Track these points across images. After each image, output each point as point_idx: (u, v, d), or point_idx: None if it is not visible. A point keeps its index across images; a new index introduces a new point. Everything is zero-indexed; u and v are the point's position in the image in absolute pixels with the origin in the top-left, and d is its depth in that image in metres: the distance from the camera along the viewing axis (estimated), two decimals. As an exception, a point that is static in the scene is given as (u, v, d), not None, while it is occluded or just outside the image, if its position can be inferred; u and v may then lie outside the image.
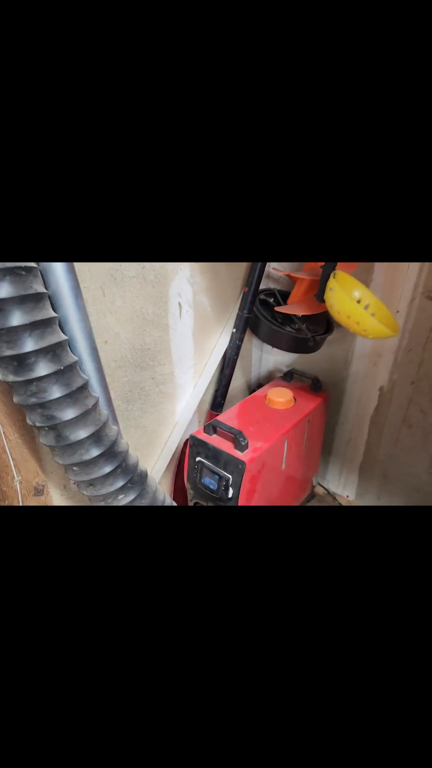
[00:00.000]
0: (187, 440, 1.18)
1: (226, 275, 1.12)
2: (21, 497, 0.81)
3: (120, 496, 0.62)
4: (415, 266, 1.01)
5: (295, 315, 1.10)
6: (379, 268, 1.06)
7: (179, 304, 1.01)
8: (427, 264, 1.00)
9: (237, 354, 1.16)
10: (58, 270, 0.54)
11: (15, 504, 0.80)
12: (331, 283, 0.89)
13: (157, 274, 0.92)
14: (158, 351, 1.00)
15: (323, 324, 1.17)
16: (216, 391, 1.20)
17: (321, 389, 1.19)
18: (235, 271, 1.14)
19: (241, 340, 1.14)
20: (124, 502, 0.62)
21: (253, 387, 1.44)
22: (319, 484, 1.41)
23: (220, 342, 1.16)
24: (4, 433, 0.73)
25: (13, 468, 0.78)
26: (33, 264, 0.50)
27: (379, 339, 1.11)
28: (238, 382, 1.37)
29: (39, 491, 0.85)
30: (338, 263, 0.92)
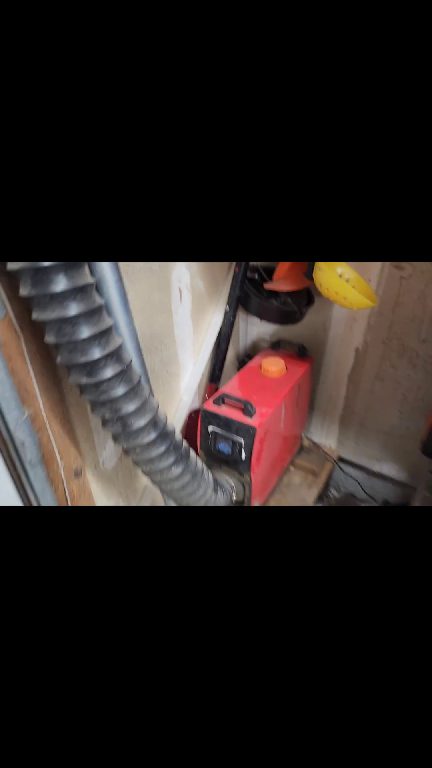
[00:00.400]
0: (191, 412, 1.29)
1: (217, 257, 1.19)
2: (65, 480, 0.90)
3: (173, 468, 0.73)
4: (384, 240, 1.14)
5: (282, 290, 1.21)
6: (353, 242, 1.18)
7: (179, 289, 1.08)
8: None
9: (231, 330, 1.26)
10: (109, 281, 0.61)
11: (60, 487, 0.89)
12: (319, 263, 1.00)
13: (161, 263, 0.98)
14: (164, 334, 1.08)
15: (305, 296, 1.29)
16: (213, 365, 1.31)
17: (307, 355, 1.33)
18: (223, 251, 1.22)
19: (234, 316, 1.24)
20: (176, 473, 0.74)
21: (242, 356, 1.56)
22: (305, 437, 1.59)
23: (214, 320, 1.25)
24: (49, 427, 0.80)
25: (57, 456, 0.86)
26: (92, 279, 0.56)
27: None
28: (228, 353, 1.47)
29: (78, 473, 0.94)
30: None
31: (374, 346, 1.33)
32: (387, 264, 1.17)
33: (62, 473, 0.89)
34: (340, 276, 1.06)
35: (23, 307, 0.64)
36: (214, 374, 1.32)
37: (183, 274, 1.07)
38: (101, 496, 1.04)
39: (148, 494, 1.24)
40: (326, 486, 1.62)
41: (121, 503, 1.13)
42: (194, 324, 1.19)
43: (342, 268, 1.05)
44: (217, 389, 1.31)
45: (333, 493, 1.75)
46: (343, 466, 1.62)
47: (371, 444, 1.53)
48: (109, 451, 1.02)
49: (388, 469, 1.53)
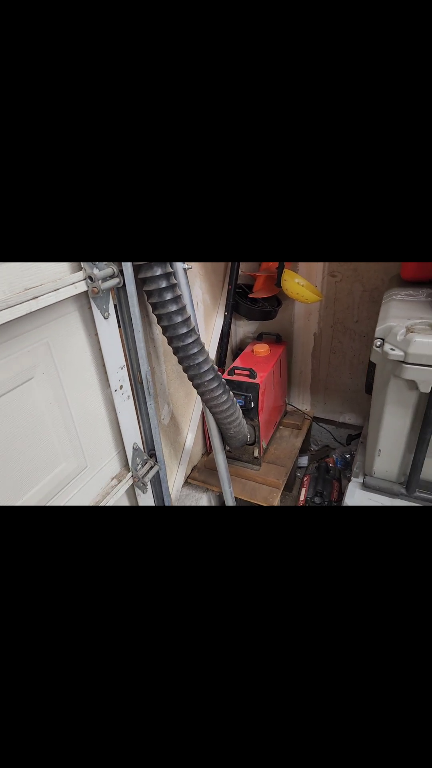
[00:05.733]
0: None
1: (215, 279, 1.77)
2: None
3: (221, 396, 1.26)
4: (321, 259, 1.77)
5: (260, 297, 1.80)
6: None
7: (196, 302, 1.64)
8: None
9: (229, 328, 1.83)
10: (178, 268, 1.15)
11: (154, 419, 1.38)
12: (284, 276, 1.60)
13: (191, 284, 1.54)
14: (190, 332, 1.62)
15: (275, 300, 1.89)
16: (219, 354, 1.86)
17: (282, 341, 1.92)
18: (219, 276, 1.80)
19: (231, 319, 1.81)
20: (223, 399, 1.26)
21: (235, 349, 2.13)
22: (288, 403, 2.16)
23: (217, 322, 1.82)
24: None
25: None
26: (171, 269, 1.10)
27: (311, 304, 1.86)
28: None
29: (151, 423, 1.43)
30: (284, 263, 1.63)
31: (326, 330, 1.94)
32: (325, 274, 1.79)
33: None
34: (298, 283, 1.67)
35: (145, 309, 1.16)
36: (220, 360, 1.87)
37: (198, 293, 1.64)
38: (162, 440, 1.54)
39: (187, 448, 1.74)
40: (308, 437, 2.18)
41: (170, 449, 1.63)
42: (205, 326, 1.75)
43: (298, 278, 1.66)
44: (223, 372, 1.85)
45: (313, 447, 2.31)
46: (317, 423, 2.20)
47: (335, 402, 2.12)
48: (165, 412, 1.53)
49: (349, 418, 2.13)
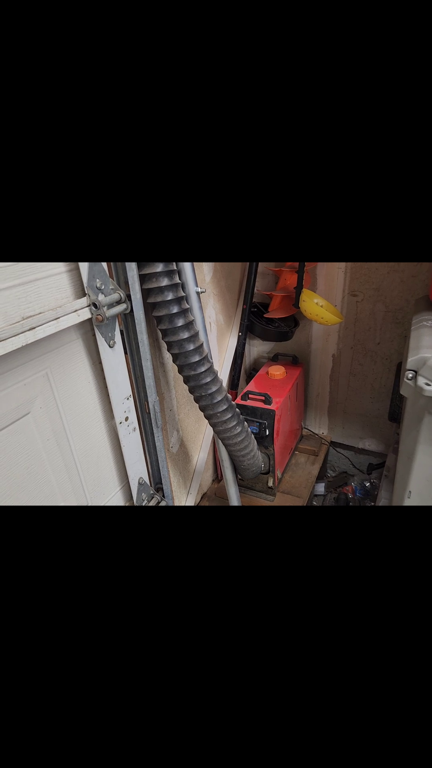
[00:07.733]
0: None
1: (230, 299, 1.69)
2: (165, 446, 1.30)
3: (235, 427, 1.16)
4: (341, 276, 1.67)
5: (276, 317, 1.71)
6: (321, 279, 1.71)
7: (209, 323, 1.55)
8: (349, 273, 1.66)
9: (243, 349, 1.74)
10: (187, 271, 1.06)
11: (162, 451, 1.29)
12: (302, 296, 1.51)
13: (204, 305, 1.45)
14: (202, 354, 1.54)
15: (292, 321, 1.80)
16: (232, 375, 1.77)
17: (299, 363, 1.82)
18: (233, 295, 1.72)
19: (245, 339, 1.72)
20: (237, 431, 1.17)
21: (249, 370, 2.03)
22: (304, 427, 2.05)
23: (230, 343, 1.73)
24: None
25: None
26: (179, 280, 1.01)
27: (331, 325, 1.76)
28: (239, 369, 1.94)
29: (159, 452, 1.34)
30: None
31: (345, 351, 1.83)
32: (345, 294, 1.70)
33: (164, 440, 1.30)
34: (317, 303, 1.58)
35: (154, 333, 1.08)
36: (233, 383, 1.78)
37: (211, 313, 1.55)
38: (171, 469, 1.44)
39: (196, 476, 1.64)
40: (324, 464, 2.06)
41: (179, 478, 1.53)
42: (218, 347, 1.67)
43: (317, 299, 1.57)
44: (236, 395, 1.76)
45: (330, 473, 2.19)
46: (335, 448, 2.08)
47: (354, 426, 2.00)
48: (174, 440, 1.44)
49: (369, 444, 2.00)
